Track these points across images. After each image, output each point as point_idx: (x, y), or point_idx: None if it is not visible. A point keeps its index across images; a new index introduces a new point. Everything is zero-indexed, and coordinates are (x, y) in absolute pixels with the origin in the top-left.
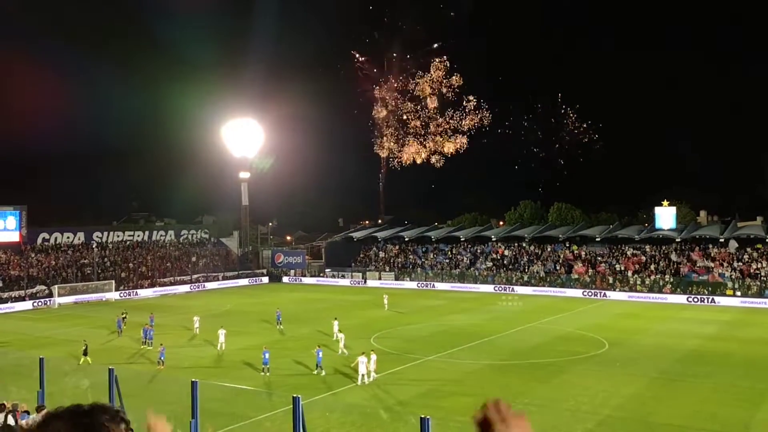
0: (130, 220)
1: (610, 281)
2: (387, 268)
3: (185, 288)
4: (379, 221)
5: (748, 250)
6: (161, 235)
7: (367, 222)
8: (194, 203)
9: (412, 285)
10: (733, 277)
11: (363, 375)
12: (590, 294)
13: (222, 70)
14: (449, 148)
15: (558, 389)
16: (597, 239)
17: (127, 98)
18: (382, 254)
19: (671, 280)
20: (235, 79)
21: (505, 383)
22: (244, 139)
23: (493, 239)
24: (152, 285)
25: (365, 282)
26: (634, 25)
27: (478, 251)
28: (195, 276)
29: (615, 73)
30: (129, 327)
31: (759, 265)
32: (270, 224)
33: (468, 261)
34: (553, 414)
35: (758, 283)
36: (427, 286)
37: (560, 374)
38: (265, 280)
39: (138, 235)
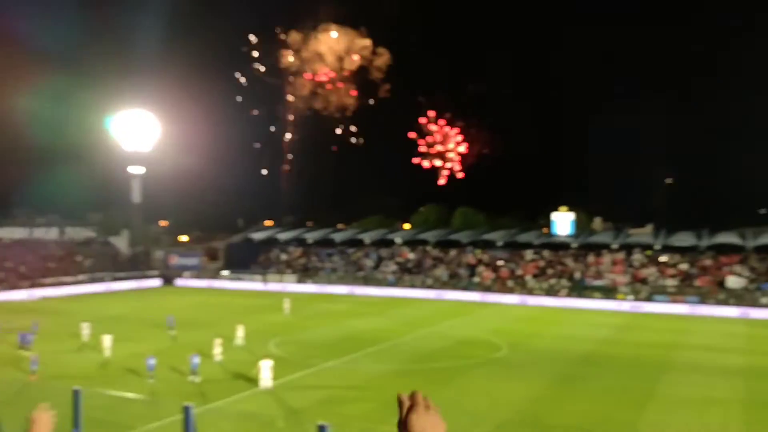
0: (8, 215)
1: (510, 285)
2: (289, 271)
3: (70, 290)
4: (282, 222)
5: (638, 256)
6: (43, 233)
7: (268, 223)
8: (80, 199)
9: (314, 288)
10: (624, 282)
11: (265, 379)
12: (491, 298)
13: (110, 62)
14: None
15: (458, 393)
16: (499, 244)
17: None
18: (284, 256)
19: (567, 284)
20: (127, 71)
21: (407, 388)
22: (137, 132)
23: (398, 242)
24: (33, 286)
25: (266, 285)
26: (532, 34)
27: (383, 254)
28: (81, 277)
29: (515, 82)
30: (6, 333)
31: (648, 271)
32: (164, 223)
33: (372, 264)
34: (453, 418)
35: (647, 288)
36: (330, 290)
37: (460, 378)
38: (158, 282)
39: (17, 232)
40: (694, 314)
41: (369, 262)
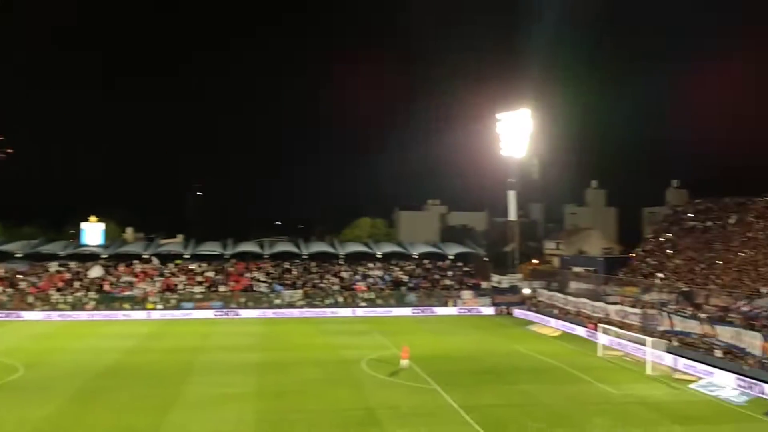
0: None
1: (30, 300)
2: None
3: None
4: None
5: (170, 265)
6: None
7: None
8: None
9: None
10: (155, 291)
11: None
12: (6, 315)
13: None
14: None
15: None
16: (18, 255)
17: None
18: None
19: (95, 296)
20: None
21: None
22: None
23: None
24: None
25: None
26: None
27: None
28: None
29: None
30: None
31: (178, 279)
32: None
33: None
34: None
35: (177, 296)
36: None
37: None
38: None
39: None
40: (219, 318)
41: None
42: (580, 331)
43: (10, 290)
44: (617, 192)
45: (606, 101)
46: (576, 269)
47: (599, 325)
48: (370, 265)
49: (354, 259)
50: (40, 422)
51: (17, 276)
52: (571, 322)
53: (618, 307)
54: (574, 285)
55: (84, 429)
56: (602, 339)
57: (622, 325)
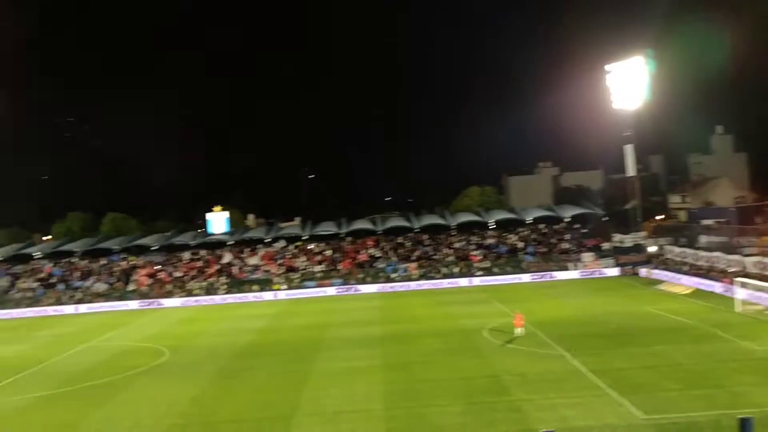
0: None
1: (169, 288)
2: None
3: None
4: None
5: (290, 246)
6: None
7: None
8: None
9: None
10: (279, 273)
11: None
12: (149, 304)
13: None
14: None
15: (118, 408)
16: (154, 248)
17: None
18: None
19: (226, 281)
20: None
21: (58, 415)
22: None
23: (38, 256)
24: None
25: None
26: None
27: (20, 271)
28: None
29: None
30: None
31: (299, 260)
32: None
33: (7, 284)
34: None
35: (299, 276)
36: None
37: (120, 392)
38: None
39: None
40: (341, 294)
41: (2, 282)
42: (715, 286)
43: (149, 280)
44: (747, 136)
45: (735, 36)
46: (705, 222)
47: (736, 279)
48: (484, 233)
49: (466, 228)
50: (188, 402)
51: (155, 267)
52: (704, 278)
53: (756, 258)
54: (704, 239)
55: (227, 408)
56: (740, 293)
57: (761, 278)
